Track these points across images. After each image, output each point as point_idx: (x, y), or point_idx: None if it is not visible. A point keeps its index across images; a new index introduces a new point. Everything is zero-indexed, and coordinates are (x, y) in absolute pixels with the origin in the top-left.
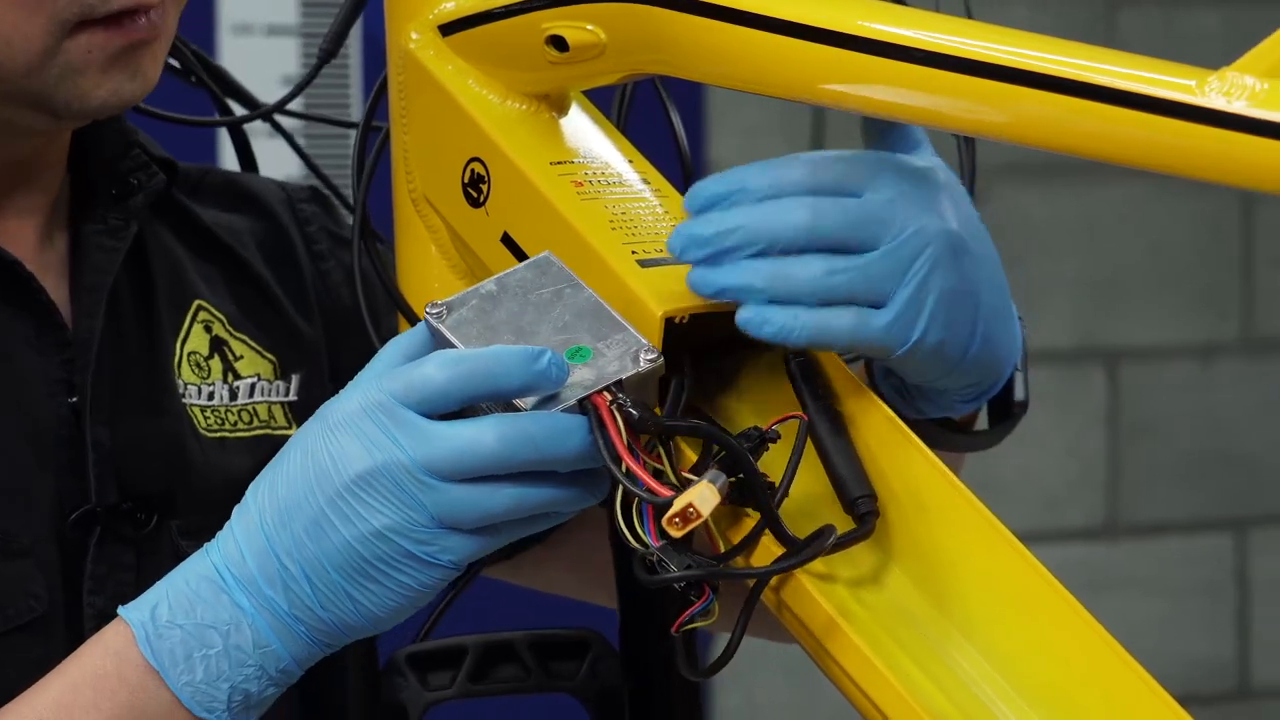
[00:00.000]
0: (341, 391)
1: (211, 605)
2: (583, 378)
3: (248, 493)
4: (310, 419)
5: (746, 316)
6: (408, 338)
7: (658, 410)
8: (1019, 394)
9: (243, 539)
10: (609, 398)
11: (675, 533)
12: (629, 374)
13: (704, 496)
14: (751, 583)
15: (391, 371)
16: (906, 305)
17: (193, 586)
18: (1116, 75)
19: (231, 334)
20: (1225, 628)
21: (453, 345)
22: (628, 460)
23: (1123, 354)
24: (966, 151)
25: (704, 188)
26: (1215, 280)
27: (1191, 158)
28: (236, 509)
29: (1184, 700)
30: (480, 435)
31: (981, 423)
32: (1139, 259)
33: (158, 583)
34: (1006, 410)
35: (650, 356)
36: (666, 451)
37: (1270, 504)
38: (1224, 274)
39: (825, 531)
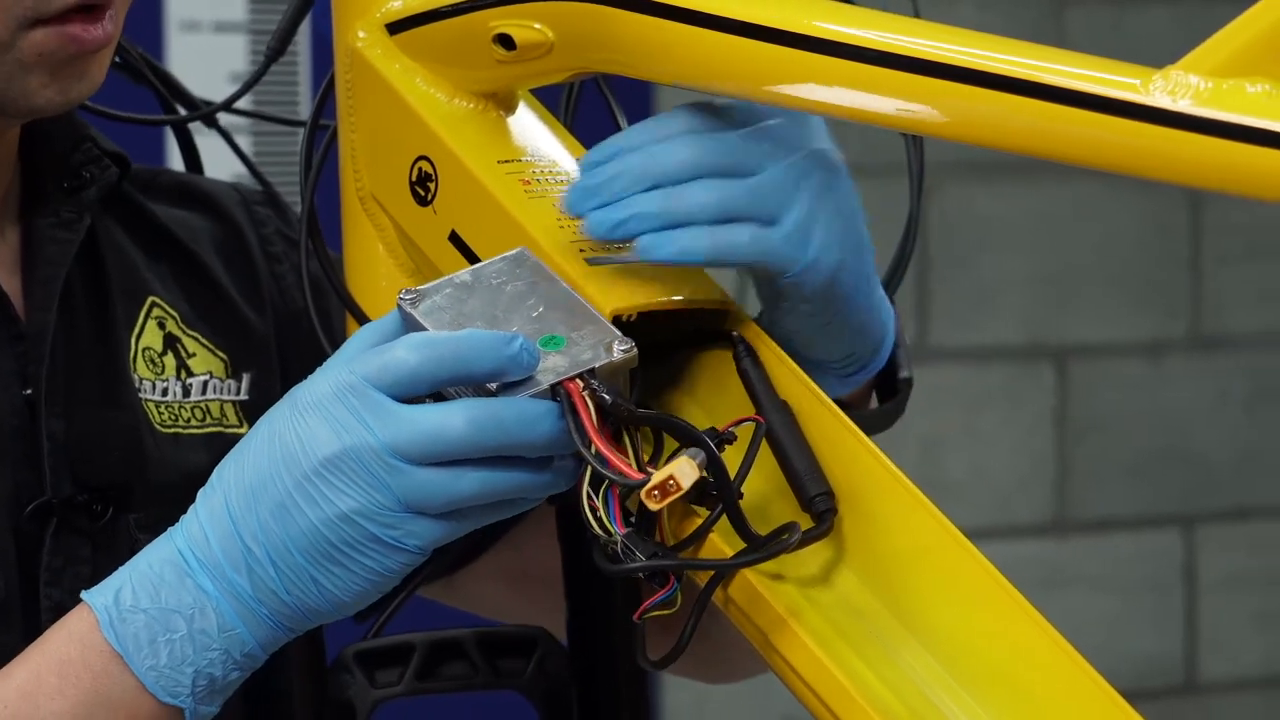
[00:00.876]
0: (311, 375)
1: (175, 589)
2: (555, 364)
3: (213, 475)
4: (279, 402)
5: (647, 241)
6: (380, 323)
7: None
8: (904, 371)
9: (207, 522)
10: (581, 384)
11: (653, 505)
12: (602, 362)
13: (684, 470)
14: (707, 577)
15: (363, 354)
16: (802, 219)
17: (156, 570)
18: (1062, 74)
19: (184, 331)
20: (1173, 624)
21: (425, 331)
22: (599, 444)
23: (1072, 351)
24: (915, 150)
25: (590, 155)
26: (1164, 278)
27: (1137, 156)
28: (201, 491)
29: (1132, 696)
30: (449, 418)
31: (874, 404)
32: (1088, 257)
33: (121, 567)
34: (893, 389)
35: (624, 348)
36: (632, 442)
37: (1218, 501)
38: (1173, 272)
39: (790, 528)
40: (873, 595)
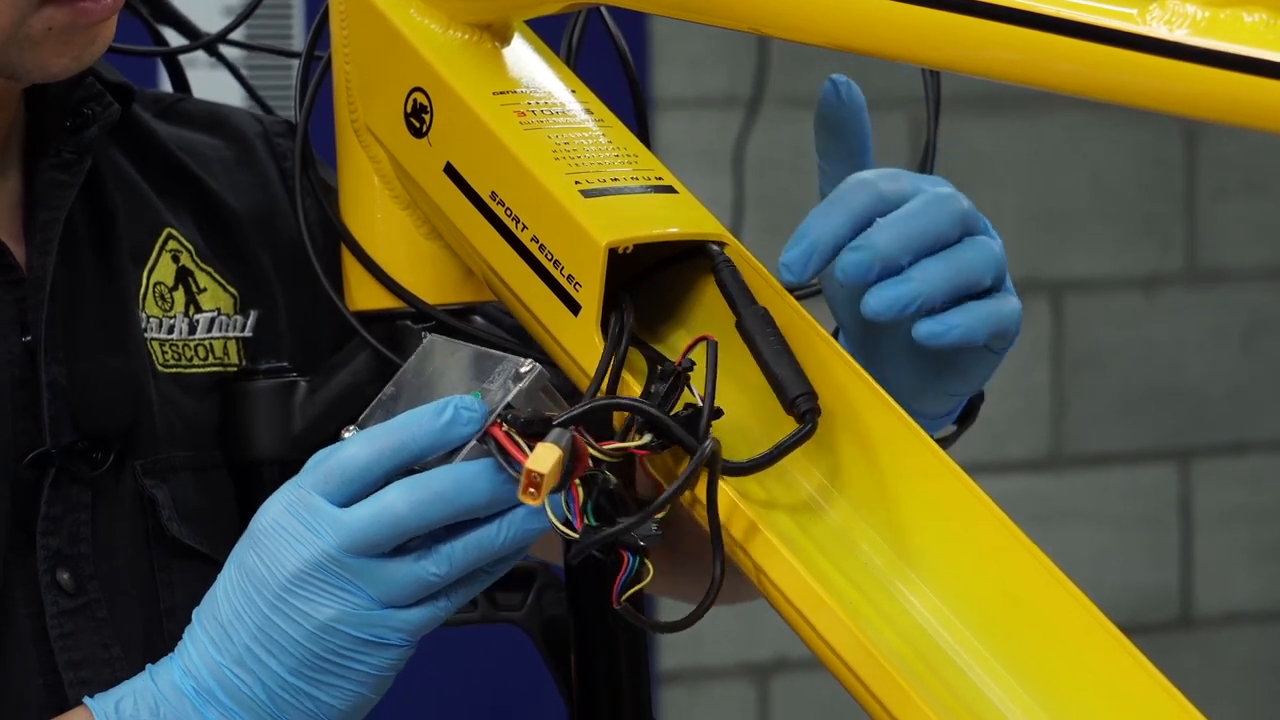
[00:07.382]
0: (265, 502)
1: (175, 707)
2: None
3: (194, 614)
4: (242, 536)
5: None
6: (328, 449)
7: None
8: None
9: (195, 652)
10: (503, 425)
11: (532, 501)
12: (513, 394)
13: (539, 459)
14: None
15: (308, 468)
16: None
17: (161, 690)
18: (1059, 3)
19: (198, 265)
20: (1169, 558)
21: None
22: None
23: (1066, 286)
24: (931, 82)
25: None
26: (1159, 212)
27: (1133, 86)
28: (187, 630)
29: (1127, 630)
30: (390, 502)
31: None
32: (1083, 191)
33: (126, 681)
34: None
35: (526, 369)
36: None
37: (1213, 435)
38: (1167, 206)
39: (715, 453)
40: (867, 525)
